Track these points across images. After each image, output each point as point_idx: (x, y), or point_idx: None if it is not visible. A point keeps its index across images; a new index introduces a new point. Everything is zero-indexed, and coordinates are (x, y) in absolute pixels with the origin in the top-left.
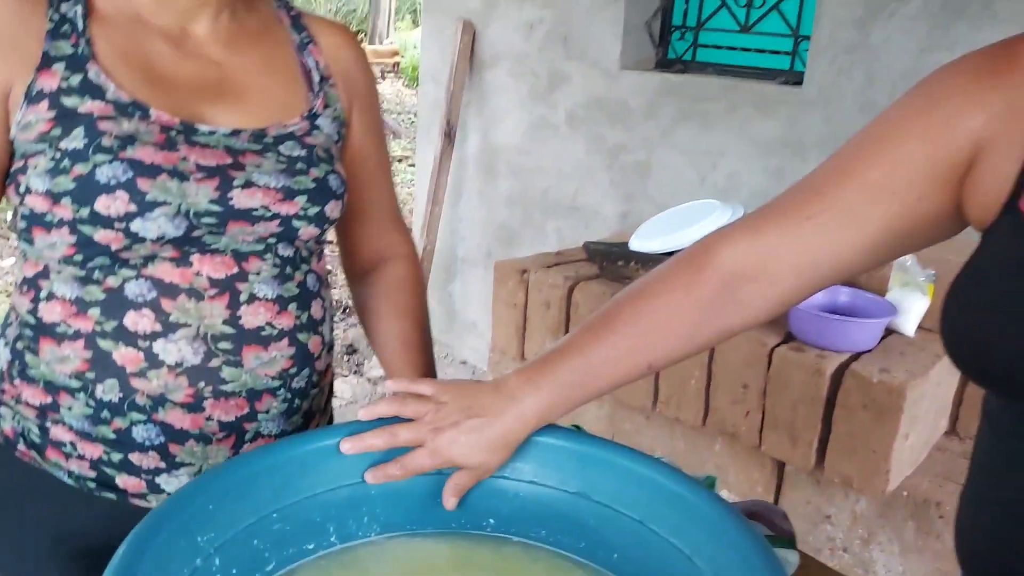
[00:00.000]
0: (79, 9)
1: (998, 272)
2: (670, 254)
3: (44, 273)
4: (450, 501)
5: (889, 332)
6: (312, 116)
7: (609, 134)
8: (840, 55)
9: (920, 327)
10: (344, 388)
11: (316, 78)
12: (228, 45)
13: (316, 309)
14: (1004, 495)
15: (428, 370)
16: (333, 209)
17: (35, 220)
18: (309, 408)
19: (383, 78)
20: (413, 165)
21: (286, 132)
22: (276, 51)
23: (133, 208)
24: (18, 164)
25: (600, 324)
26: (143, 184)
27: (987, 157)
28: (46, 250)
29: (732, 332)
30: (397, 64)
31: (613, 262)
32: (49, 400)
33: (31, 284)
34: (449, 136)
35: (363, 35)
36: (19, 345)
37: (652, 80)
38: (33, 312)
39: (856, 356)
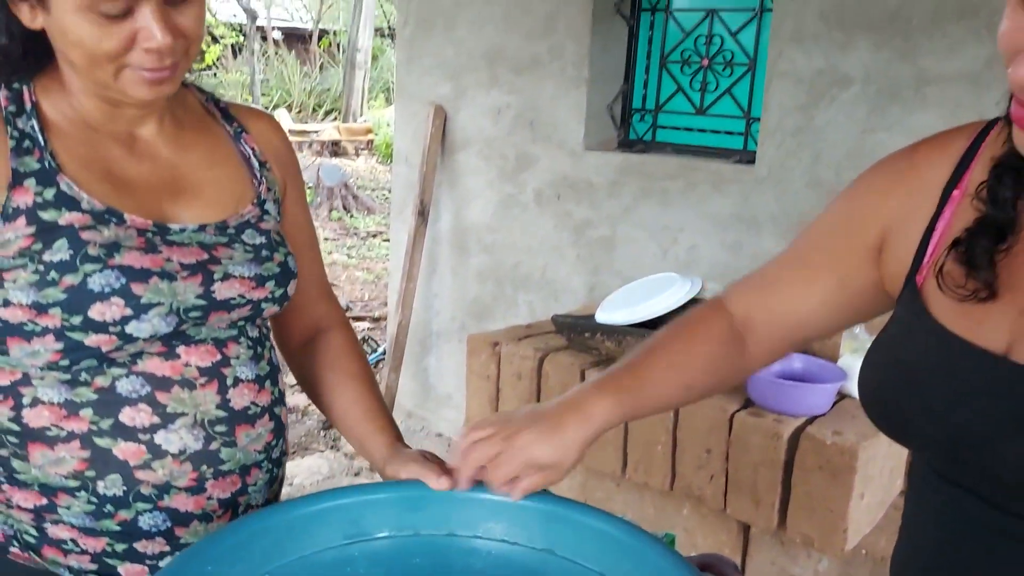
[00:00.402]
0: (35, 123)
1: (894, 336)
2: (633, 326)
3: (24, 380)
4: (517, 495)
5: (842, 396)
6: (261, 202)
7: (575, 211)
8: (788, 137)
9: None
10: (321, 463)
11: (256, 164)
12: (174, 143)
13: (280, 383)
14: (925, 545)
15: (395, 429)
16: (292, 288)
17: (11, 331)
18: (281, 476)
19: (357, 155)
20: (387, 240)
21: (244, 221)
22: (216, 143)
23: (129, 312)
24: None
25: (649, 345)
26: (137, 288)
27: (892, 239)
28: (26, 358)
29: (743, 369)
30: (371, 142)
31: (580, 334)
32: (45, 502)
33: (8, 392)
34: (423, 215)
35: (337, 113)
36: (2, 452)
37: (614, 160)
38: (16, 419)
39: (811, 420)
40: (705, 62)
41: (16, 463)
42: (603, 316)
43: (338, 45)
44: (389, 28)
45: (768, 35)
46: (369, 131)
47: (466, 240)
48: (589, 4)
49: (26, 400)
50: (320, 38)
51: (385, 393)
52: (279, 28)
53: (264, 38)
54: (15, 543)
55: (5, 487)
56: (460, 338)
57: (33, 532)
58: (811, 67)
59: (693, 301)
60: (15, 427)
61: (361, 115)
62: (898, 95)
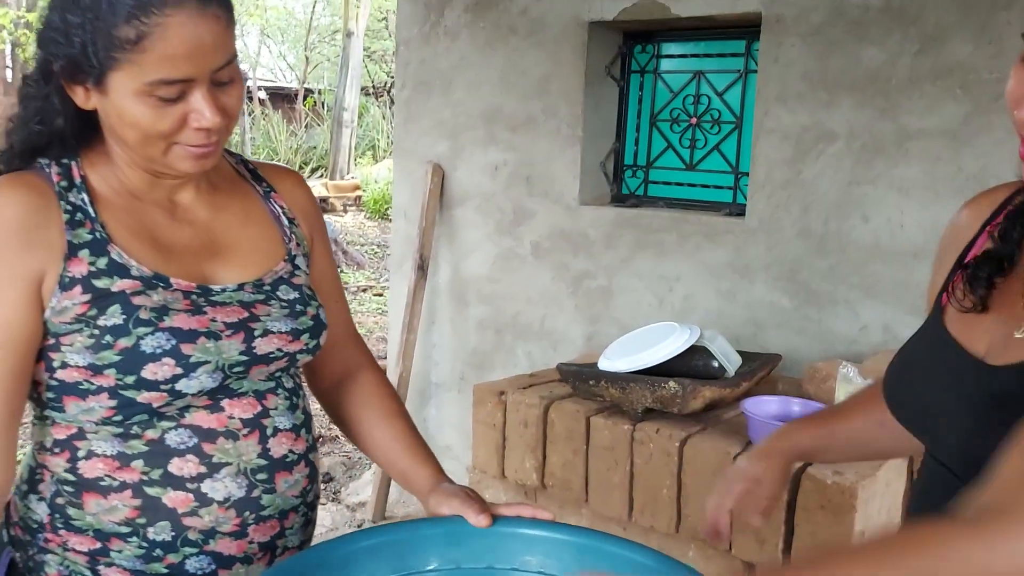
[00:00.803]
0: (85, 196)
1: (913, 339)
2: (635, 373)
3: (79, 435)
4: (756, 519)
5: None
6: (292, 258)
7: (572, 263)
8: (776, 190)
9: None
10: (323, 515)
11: (285, 221)
12: (209, 206)
13: (313, 430)
14: (913, 514)
15: (436, 463)
16: (324, 338)
17: (67, 390)
18: (314, 519)
19: (345, 211)
20: (379, 295)
21: (277, 277)
22: (248, 203)
23: (179, 371)
24: (47, 343)
25: (846, 399)
26: (186, 349)
27: (939, 272)
28: (81, 414)
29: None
30: (359, 198)
31: (585, 381)
32: (99, 546)
33: (64, 446)
34: (422, 268)
35: (324, 171)
36: (59, 500)
37: (609, 214)
38: (72, 471)
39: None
40: (693, 120)
41: (72, 511)
42: (606, 364)
43: (323, 104)
44: (374, 87)
45: (753, 94)
46: (357, 188)
47: (465, 292)
48: (581, 67)
49: (81, 453)
50: (305, 97)
51: None
52: (264, 88)
53: (250, 98)
54: None
55: (62, 532)
56: (460, 388)
57: (87, 574)
58: (797, 124)
59: (692, 348)
60: (71, 477)
61: (348, 172)
62: (882, 150)
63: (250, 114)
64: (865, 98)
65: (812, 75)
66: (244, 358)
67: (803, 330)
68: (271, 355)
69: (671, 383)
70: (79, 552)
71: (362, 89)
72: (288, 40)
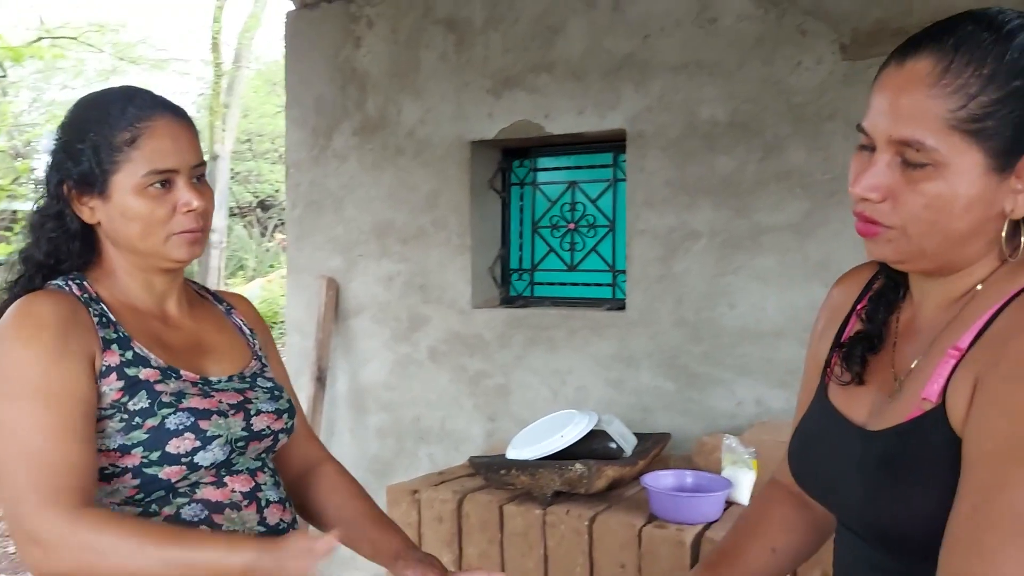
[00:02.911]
0: (103, 306)
1: (805, 415)
2: (543, 459)
3: None
4: None
5: (729, 503)
6: (259, 357)
7: (469, 364)
8: (652, 284)
9: (753, 496)
10: None
11: (247, 332)
12: (190, 317)
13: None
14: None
15: (402, 533)
16: (296, 422)
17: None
18: None
19: None
20: None
21: (253, 372)
22: (218, 317)
23: (198, 444)
24: None
25: (734, 525)
26: (203, 424)
27: (819, 350)
28: (105, 497)
29: (821, 525)
30: None
31: (496, 471)
32: None
33: None
34: (320, 380)
35: None
36: None
37: (500, 315)
38: None
39: (707, 526)
40: (571, 226)
41: None
42: (514, 453)
43: None
44: (239, 207)
45: (623, 200)
46: None
47: (364, 400)
48: (466, 181)
49: None
50: None
51: None
52: None
53: None
54: None
55: None
56: None
57: None
58: (664, 225)
59: (591, 433)
60: None
61: None
62: (740, 244)
63: None
64: (721, 200)
65: (674, 182)
66: (245, 434)
67: (687, 410)
68: (263, 432)
69: (578, 465)
70: None
71: (228, 209)
72: None
